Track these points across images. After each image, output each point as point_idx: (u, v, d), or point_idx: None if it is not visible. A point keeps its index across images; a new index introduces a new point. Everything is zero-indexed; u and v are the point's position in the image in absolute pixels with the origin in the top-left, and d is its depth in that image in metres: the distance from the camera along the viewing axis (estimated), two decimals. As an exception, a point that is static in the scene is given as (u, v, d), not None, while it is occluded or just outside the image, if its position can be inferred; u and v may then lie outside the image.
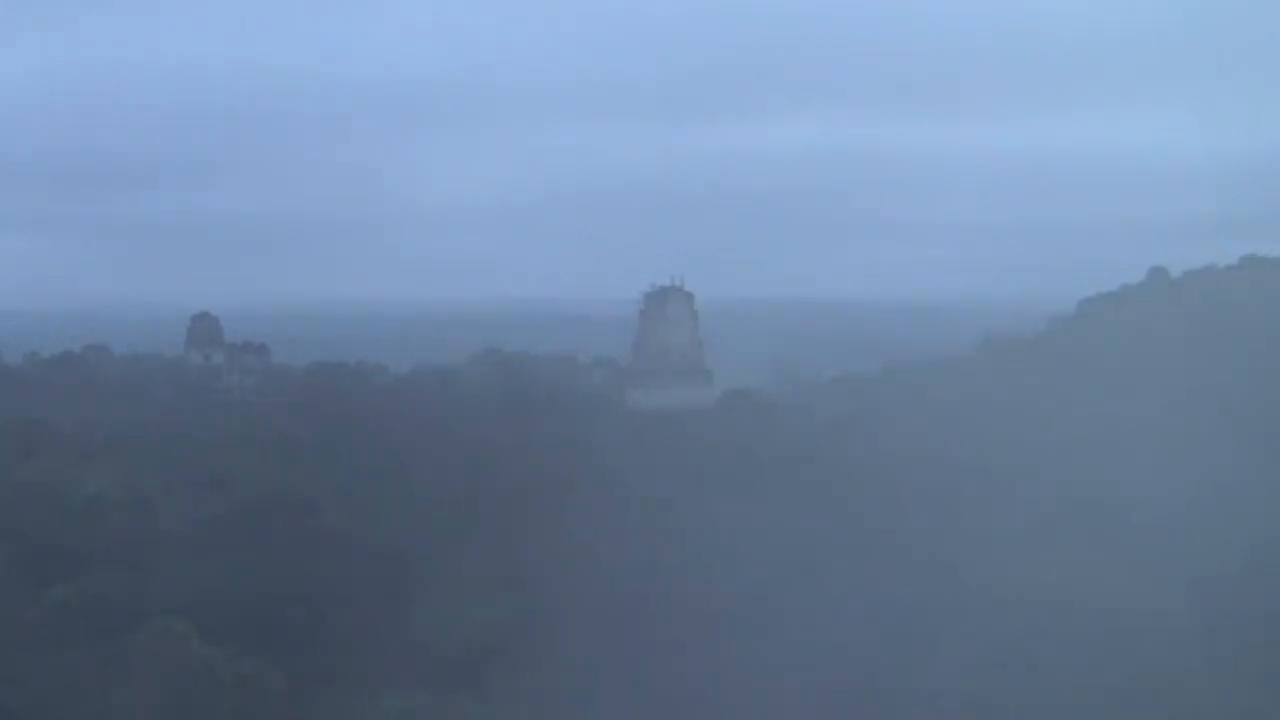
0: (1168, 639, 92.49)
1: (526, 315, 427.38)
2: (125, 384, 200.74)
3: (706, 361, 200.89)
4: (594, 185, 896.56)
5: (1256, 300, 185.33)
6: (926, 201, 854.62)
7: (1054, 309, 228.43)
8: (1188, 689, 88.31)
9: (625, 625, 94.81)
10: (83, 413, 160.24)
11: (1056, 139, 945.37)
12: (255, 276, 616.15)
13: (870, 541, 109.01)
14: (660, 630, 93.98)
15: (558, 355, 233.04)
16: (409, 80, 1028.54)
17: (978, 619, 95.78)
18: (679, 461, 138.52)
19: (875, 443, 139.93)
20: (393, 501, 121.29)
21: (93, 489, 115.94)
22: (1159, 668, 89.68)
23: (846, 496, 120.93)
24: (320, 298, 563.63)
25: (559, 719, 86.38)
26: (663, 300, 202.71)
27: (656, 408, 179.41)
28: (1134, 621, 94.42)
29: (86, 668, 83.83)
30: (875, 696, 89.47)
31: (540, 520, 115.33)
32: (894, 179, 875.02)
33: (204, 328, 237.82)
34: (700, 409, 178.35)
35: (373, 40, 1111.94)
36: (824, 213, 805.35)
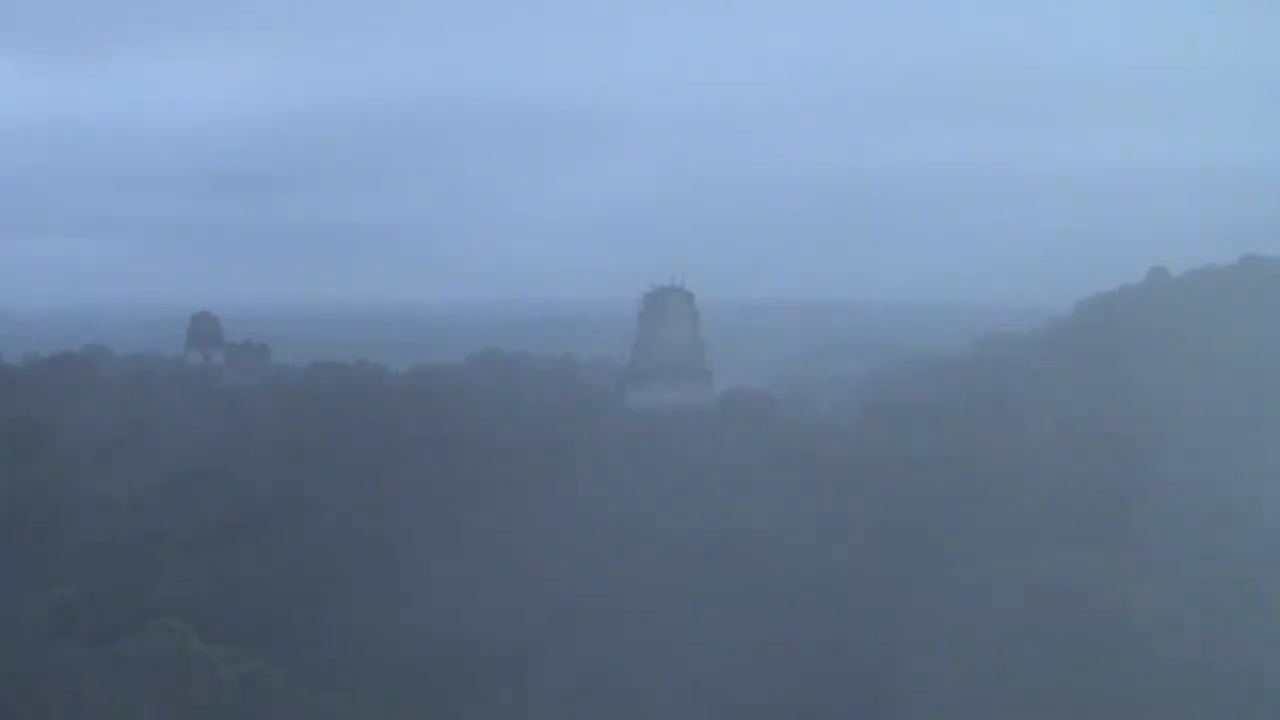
0: (1170, 636, 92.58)
1: (531, 315, 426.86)
2: (125, 384, 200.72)
3: (706, 361, 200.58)
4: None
5: (1256, 300, 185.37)
6: (926, 203, 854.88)
7: (1054, 309, 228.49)
8: (1189, 686, 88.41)
9: (625, 624, 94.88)
10: (83, 413, 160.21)
11: (1057, 143, 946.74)
12: (257, 277, 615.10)
13: (870, 541, 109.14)
14: (659, 629, 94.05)
15: (557, 355, 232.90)
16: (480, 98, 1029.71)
17: (977, 617, 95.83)
18: (677, 461, 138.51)
19: (874, 443, 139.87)
20: (392, 501, 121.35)
21: (93, 489, 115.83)
22: (1159, 666, 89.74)
23: (845, 496, 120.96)
24: (319, 298, 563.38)
25: (556, 718, 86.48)
26: (662, 300, 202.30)
27: (656, 408, 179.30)
28: (1136, 617, 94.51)
29: (86, 668, 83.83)
30: (877, 694, 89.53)
31: (539, 520, 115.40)
32: (893, 182, 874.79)
33: (204, 328, 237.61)
34: (699, 409, 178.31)
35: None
36: (823, 215, 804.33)
